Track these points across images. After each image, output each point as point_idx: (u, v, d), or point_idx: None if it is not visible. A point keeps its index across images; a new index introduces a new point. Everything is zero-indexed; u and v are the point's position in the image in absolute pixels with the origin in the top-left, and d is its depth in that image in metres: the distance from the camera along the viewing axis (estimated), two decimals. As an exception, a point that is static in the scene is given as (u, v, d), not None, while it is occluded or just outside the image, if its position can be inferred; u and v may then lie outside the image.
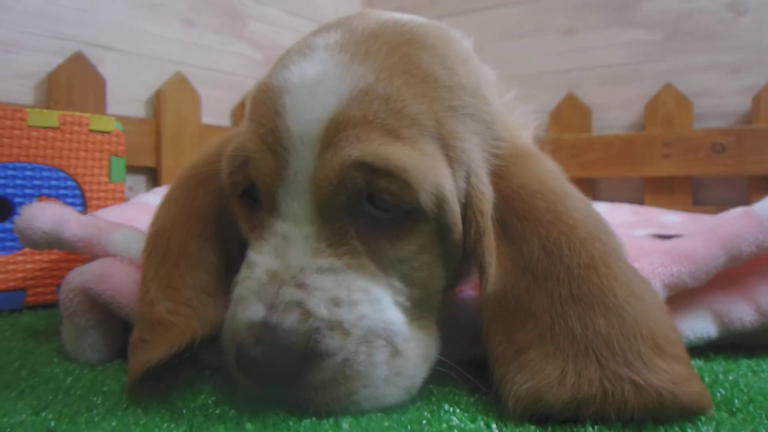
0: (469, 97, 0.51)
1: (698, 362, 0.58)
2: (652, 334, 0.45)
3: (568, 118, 1.45)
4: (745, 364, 0.57)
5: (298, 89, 0.47)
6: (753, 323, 0.59)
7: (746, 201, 1.26)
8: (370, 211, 0.47)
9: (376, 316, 0.45)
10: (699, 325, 0.59)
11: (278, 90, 0.47)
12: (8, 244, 0.77)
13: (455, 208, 0.48)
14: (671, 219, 1.06)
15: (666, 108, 1.33)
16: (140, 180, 1.24)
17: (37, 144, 0.78)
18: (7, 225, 0.77)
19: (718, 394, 0.49)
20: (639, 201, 1.37)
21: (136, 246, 0.57)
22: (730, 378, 0.52)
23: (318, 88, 0.46)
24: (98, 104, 1.12)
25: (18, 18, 1.03)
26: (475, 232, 0.48)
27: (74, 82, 1.08)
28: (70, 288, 0.54)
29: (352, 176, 0.45)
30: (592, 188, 1.44)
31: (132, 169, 1.20)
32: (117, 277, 0.54)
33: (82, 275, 0.54)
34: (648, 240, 0.70)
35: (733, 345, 0.62)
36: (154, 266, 0.51)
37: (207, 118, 1.34)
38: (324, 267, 0.45)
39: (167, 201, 0.56)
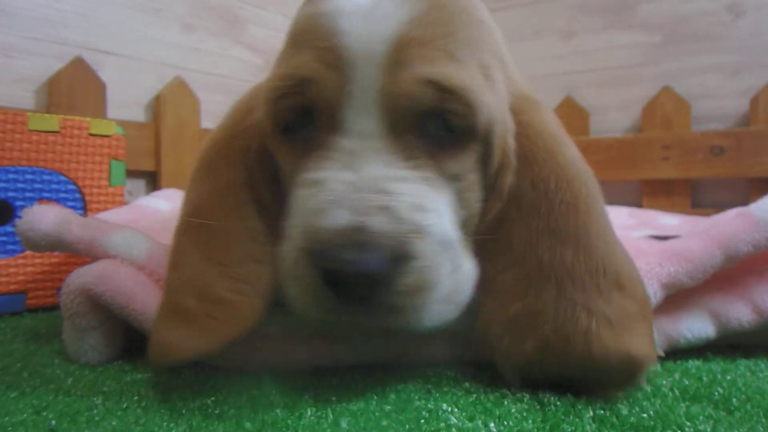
0: (495, 38, 0.55)
1: (696, 362, 0.58)
2: (616, 272, 0.50)
3: (566, 121, 1.44)
4: (743, 365, 0.58)
5: (355, 12, 0.47)
6: (750, 323, 0.59)
7: (745, 203, 1.25)
8: (433, 128, 0.48)
9: (445, 228, 0.47)
10: (697, 326, 0.60)
11: (331, 14, 0.48)
12: (9, 247, 0.77)
13: (498, 132, 0.50)
14: (669, 221, 1.06)
15: (664, 110, 1.33)
16: (140, 184, 1.24)
17: (37, 148, 0.79)
18: (9, 228, 0.77)
19: (716, 393, 0.49)
20: (637, 204, 1.37)
21: (137, 247, 0.57)
22: (728, 378, 0.53)
23: (375, 11, 0.47)
24: (98, 108, 1.13)
25: (19, 23, 1.04)
26: (499, 163, 0.52)
27: (75, 87, 1.09)
28: (71, 289, 0.54)
29: (425, 92, 0.46)
30: (591, 191, 1.44)
31: (132, 174, 1.20)
32: (117, 278, 0.54)
33: (82, 276, 0.54)
34: (645, 241, 0.70)
35: (731, 345, 0.62)
36: (197, 245, 0.51)
37: (207, 123, 1.34)
38: (400, 177, 0.46)
39: (195, 181, 0.55)
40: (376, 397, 0.48)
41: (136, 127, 1.20)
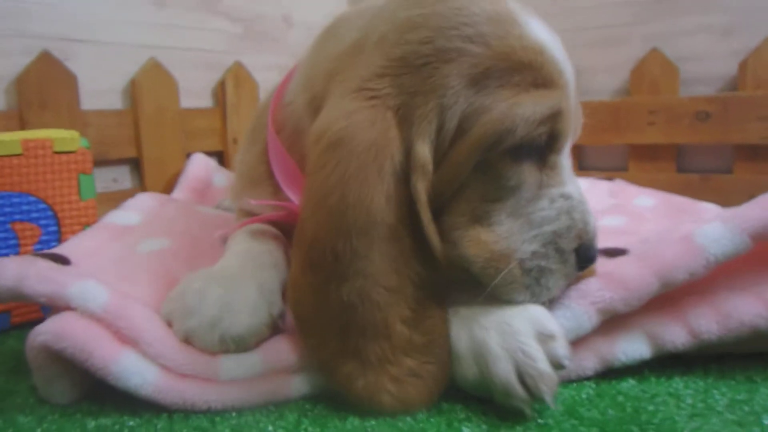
0: None
1: (632, 381, 0.61)
2: None
3: (553, 82, 1.43)
4: (673, 385, 0.60)
5: (560, 55, 0.58)
6: (685, 345, 0.61)
7: (730, 169, 1.26)
8: None
9: None
10: (632, 348, 0.62)
11: (549, 51, 0.57)
12: (-13, 268, 0.81)
13: None
14: (645, 202, 1.06)
15: (652, 74, 1.30)
16: (124, 171, 1.26)
17: (2, 173, 0.80)
18: (-16, 252, 0.80)
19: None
20: (624, 168, 1.36)
21: (94, 300, 0.59)
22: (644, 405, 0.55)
23: (558, 47, 0.58)
24: (71, 102, 1.13)
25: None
26: None
27: (44, 82, 1.09)
28: (33, 346, 0.57)
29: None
30: (578, 155, 1.43)
31: (115, 162, 1.22)
32: (75, 335, 0.56)
33: (42, 335, 0.56)
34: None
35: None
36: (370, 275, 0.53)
37: (187, 101, 1.34)
38: None
39: (345, 185, 0.53)
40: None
41: (113, 115, 1.20)
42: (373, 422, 0.53)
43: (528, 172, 0.58)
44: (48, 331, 0.56)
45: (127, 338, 0.57)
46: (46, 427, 0.56)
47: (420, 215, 0.55)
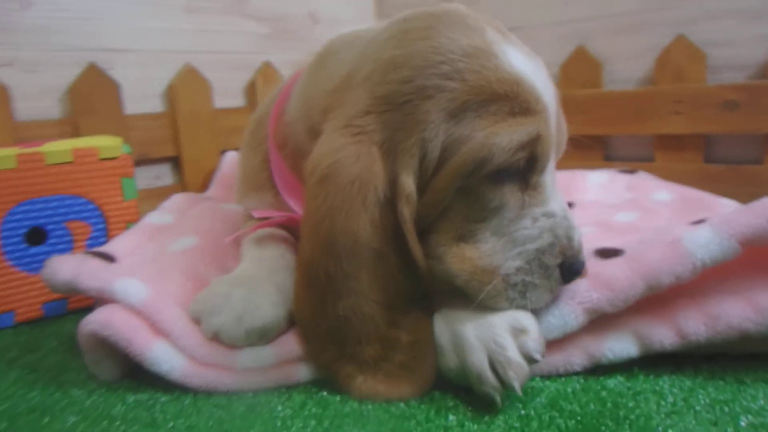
0: None
1: (620, 378, 0.64)
2: None
3: (578, 72, 1.43)
4: (660, 384, 0.62)
5: (539, 82, 0.62)
6: (673, 345, 0.63)
7: (760, 160, 1.24)
8: None
9: None
10: (619, 346, 0.65)
11: (528, 79, 0.61)
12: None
13: None
14: (663, 197, 1.07)
15: (677, 61, 1.29)
16: (165, 168, 1.36)
17: (56, 178, 0.90)
18: (43, 249, 0.91)
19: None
20: (650, 159, 1.36)
21: (135, 295, 0.67)
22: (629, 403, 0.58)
23: (540, 73, 0.63)
24: (115, 108, 1.22)
25: (33, 38, 1.12)
26: None
27: (91, 92, 1.18)
28: (83, 333, 0.66)
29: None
30: (604, 146, 1.43)
31: (157, 161, 1.32)
32: (118, 322, 0.64)
33: (91, 324, 0.65)
34: (590, 259, 0.75)
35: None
36: (364, 280, 0.60)
37: (220, 101, 1.42)
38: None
39: (333, 215, 0.59)
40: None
41: (153, 118, 1.30)
42: (369, 406, 0.60)
43: (509, 194, 0.62)
44: (96, 321, 0.65)
45: (160, 331, 0.65)
46: (94, 400, 0.65)
47: (407, 237, 0.60)
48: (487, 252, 0.62)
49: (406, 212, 0.60)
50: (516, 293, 0.61)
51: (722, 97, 1.23)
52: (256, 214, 0.82)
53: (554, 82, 1.46)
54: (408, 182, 0.60)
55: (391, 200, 0.60)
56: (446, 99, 0.59)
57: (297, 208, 0.76)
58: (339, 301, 0.59)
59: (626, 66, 1.39)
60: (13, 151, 0.88)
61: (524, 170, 0.62)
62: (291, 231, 0.82)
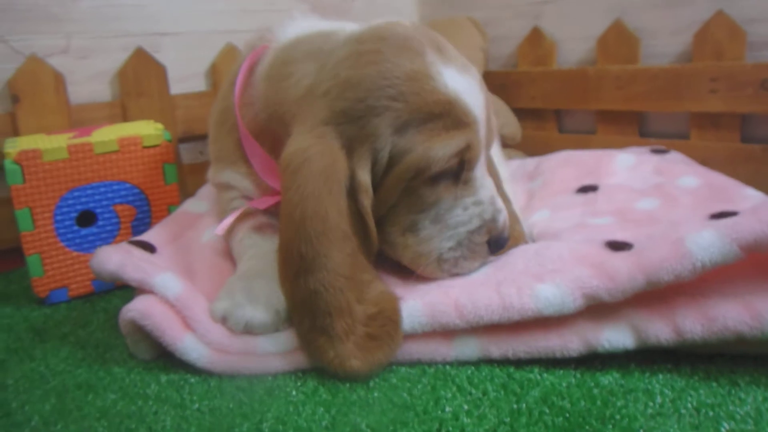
0: None
1: (615, 374, 0.67)
2: None
3: (615, 47, 1.41)
4: (654, 381, 0.65)
5: (470, 97, 0.74)
6: (668, 341, 0.66)
7: (797, 139, 1.21)
8: None
9: None
10: (616, 337, 0.67)
11: (460, 97, 0.73)
12: (97, 243, 1.00)
13: None
14: (689, 182, 1.06)
15: (716, 38, 1.25)
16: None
17: (105, 166, 0.98)
18: (93, 230, 1.00)
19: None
20: (685, 136, 1.34)
21: (171, 289, 0.75)
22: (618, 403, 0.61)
23: (472, 89, 0.75)
24: (162, 89, 1.29)
25: (85, 27, 1.20)
26: None
27: (139, 75, 1.26)
28: (124, 319, 0.74)
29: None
30: (639, 121, 1.41)
31: (201, 137, 1.39)
32: (154, 315, 0.72)
33: (131, 311, 0.73)
34: (601, 249, 0.77)
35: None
36: (341, 261, 0.68)
37: (262, 79, 1.47)
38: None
39: (303, 201, 0.68)
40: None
41: (197, 96, 1.36)
42: (375, 394, 0.66)
43: (444, 190, 0.76)
44: (136, 310, 0.73)
45: (189, 325, 0.72)
46: (132, 378, 0.73)
47: (366, 222, 0.73)
48: (425, 238, 0.77)
49: (366, 202, 0.72)
50: (449, 265, 0.77)
51: (760, 76, 1.19)
52: (253, 205, 0.89)
53: (590, 57, 1.46)
54: (365, 178, 0.72)
55: (351, 191, 0.72)
56: (392, 117, 0.71)
57: (277, 187, 0.86)
58: (310, 276, 0.67)
59: (664, 41, 1.36)
60: (65, 142, 0.96)
61: (457, 170, 0.76)
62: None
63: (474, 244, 0.77)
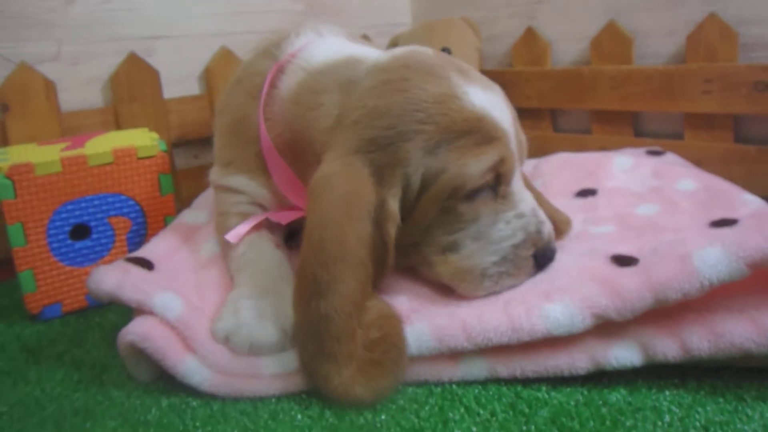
0: None
1: (622, 392, 0.66)
2: None
3: (609, 47, 1.40)
4: (662, 398, 0.65)
5: (497, 112, 0.75)
6: (676, 358, 0.66)
7: (791, 140, 1.22)
8: None
9: None
10: (624, 355, 0.67)
11: (489, 114, 0.74)
12: (91, 256, 0.99)
13: None
14: (687, 186, 1.06)
15: (709, 39, 1.25)
16: (203, 148, 1.41)
17: (99, 178, 0.96)
18: (88, 243, 0.98)
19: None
20: (679, 136, 1.35)
21: (171, 311, 0.73)
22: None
23: (498, 103, 0.77)
24: (155, 94, 1.27)
25: (76, 33, 1.18)
26: None
27: (132, 80, 1.23)
28: (123, 342, 0.72)
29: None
30: (633, 122, 1.42)
31: (195, 141, 1.37)
32: (154, 338, 0.70)
33: (130, 335, 0.71)
34: (606, 265, 0.77)
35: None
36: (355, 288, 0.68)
37: (255, 81, 1.44)
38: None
39: (324, 226, 0.68)
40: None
41: (191, 100, 1.34)
42: (383, 417, 0.65)
43: (483, 206, 0.75)
44: (135, 332, 0.71)
45: (191, 346, 0.71)
46: (132, 402, 0.71)
47: (389, 250, 0.72)
48: (467, 255, 0.75)
49: (392, 231, 0.72)
50: (491, 282, 0.75)
51: (753, 77, 1.19)
52: (274, 218, 0.88)
53: (584, 57, 1.45)
54: (394, 207, 0.72)
55: (376, 219, 0.71)
56: (422, 140, 0.71)
57: (297, 202, 0.87)
58: (322, 300, 0.67)
59: (657, 42, 1.35)
60: (57, 155, 0.94)
61: (494, 185, 0.75)
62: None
63: (519, 258, 0.76)
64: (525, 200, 0.78)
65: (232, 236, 0.85)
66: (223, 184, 0.94)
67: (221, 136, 0.97)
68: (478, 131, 0.72)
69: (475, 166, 0.71)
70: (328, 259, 0.67)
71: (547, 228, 0.79)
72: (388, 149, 0.71)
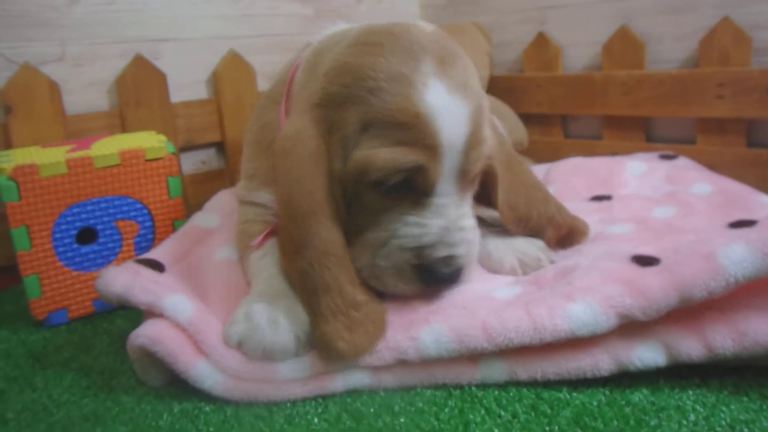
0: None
1: (645, 392, 0.65)
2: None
3: (621, 52, 1.39)
4: (685, 398, 0.64)
5: (443, 114, 0.69)
6: (699, 357, 0.65)
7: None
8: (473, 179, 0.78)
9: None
10: (647, 355, 0.66)
11: (429, 115, 0.69)
12: (98, 261, 0.97)
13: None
14: (702, 189, 1.05)
15: (722, 44, 1.24)
16: (211, 152, 1.40)
17: (105, 181, 0.94)
18: (94, 247, 0.96)
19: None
20: (692, 141, 1.34)
21: (182, 313, 0.71)
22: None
23: (452, 112, 0.70)
24: (162, 97, 1.26)
25: (80, 33, 1.17)
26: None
27: (138, 82, 1.22)
28: (133, 345, 0.70)
29: (483, 164, 0.76)
30: (645, 127, 1.40)
31: (203, 146, 1.36)
32: (165, 341, 0.68)
33: (141, 338, 0.69)
34: (627, 265, 0.75)
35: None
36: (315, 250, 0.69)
37: (264, 85, 1.43)
38: (464, 215, 0.76)
39: (293, 182, 0.71)
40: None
41: (199, 104, 1.33)
42: (402, 420, 0.63)
43: (391, 203, 0.73)
44: (145, 336, 0.69)
45: (203, 350, 0.68)
46: (143, 407, 0.69)
47: (339, 205, 0.73)
48: (362, 242, 0.75)
49: (339, 191, 0.73)
50: (374, 278, 0.75)
51: (766, 82, 1.19)
52: None
53: (596, 62, 1.44)
54: (338, 165, 0.72)
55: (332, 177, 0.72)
56: (363, 111, 0.70)
57: None
58: (298, 256, 0.69)
59: (670, 47, 1.35)
60: (63, 156, 0.92)
61: (410, 190, 0.73)
62: None
63: (404, 263, 0.73)
64: (443, 217, 0.73)
65: (256, 241, 0.84)
66: (248, 200, 0.94)
67: (247, 147, 0.97)
68: (409, 129, 0.69)
69: (383, 160, 0.69)
70: (298, 216, 0.69)
71: (449, 251, 0.73)
72: (339, 108, 0.72)
